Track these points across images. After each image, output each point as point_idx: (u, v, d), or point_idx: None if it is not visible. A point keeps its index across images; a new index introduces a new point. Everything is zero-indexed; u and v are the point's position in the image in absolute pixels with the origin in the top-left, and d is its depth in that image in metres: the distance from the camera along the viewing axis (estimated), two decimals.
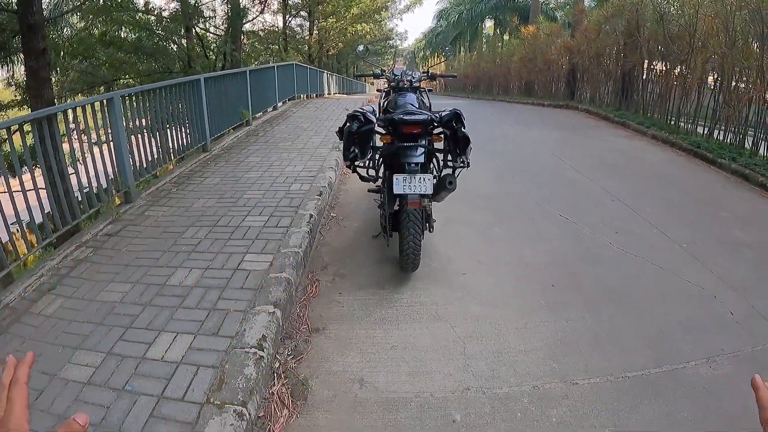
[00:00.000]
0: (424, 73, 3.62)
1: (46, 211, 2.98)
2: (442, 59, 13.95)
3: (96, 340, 2.01)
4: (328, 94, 15.79)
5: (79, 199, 3.27)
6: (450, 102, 13.25)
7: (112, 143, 3.70)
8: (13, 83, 10.36)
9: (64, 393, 1.71)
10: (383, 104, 3.45)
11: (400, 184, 2.42)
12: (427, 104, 3.36)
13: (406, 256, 2.60)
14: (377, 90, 4.22)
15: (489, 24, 29.24)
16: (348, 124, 2.54)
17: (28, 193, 2.77)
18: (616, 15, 9.39)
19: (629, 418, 1.82)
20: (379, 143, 2.76)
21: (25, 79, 8.52)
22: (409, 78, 3.33)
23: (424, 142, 2.59)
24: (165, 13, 12.58)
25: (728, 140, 5.95)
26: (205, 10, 13.43)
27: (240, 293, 2.36)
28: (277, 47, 17.94)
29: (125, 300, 2.32)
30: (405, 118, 2.52)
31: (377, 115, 2.70)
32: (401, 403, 1.88)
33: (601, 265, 3.04)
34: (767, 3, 5.27)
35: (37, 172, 2.98)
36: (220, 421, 1.55)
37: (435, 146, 2.76)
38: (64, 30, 11.31)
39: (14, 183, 2.73)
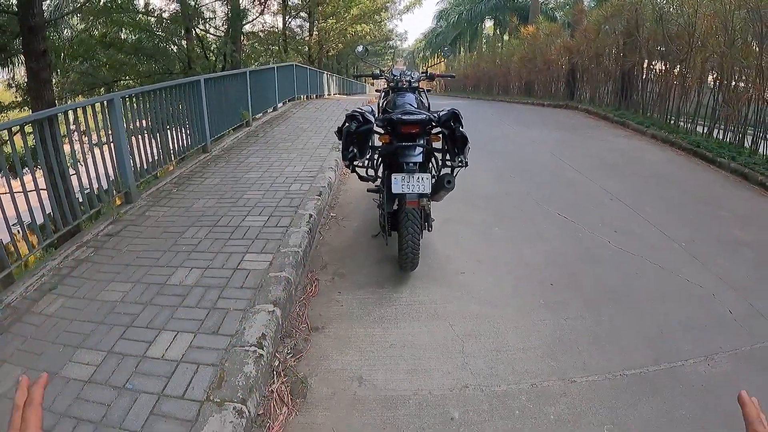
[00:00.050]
0: (422, 73, 3.63)
1: (47, 212, 2.99)
2: (441, 60, 13.96)
3: (97, 339, 2.02)
4: (328, 94, 15.81)
5: (80, 200, 3.29)
6: (450, 102, 13.25)
7: (112, 144, 3.72)
8: (13, 85, 10.39)
9: (65, 391, 1.72)
10: (382, 104, 3.47)
11: (399, 183, 2.43)
12: (426, 104, 3.37)
13: (405, 255, 2.61)
14: (376, 90, 4.24)
15: (489, 24, 29.23)
16: (347, 124, 2.55)
17: (29, 193, 2.79)
18: (615, 15, 9.40)
19: (627, 415, 1.82)
20: (378, 143, 2.78)
21: (25, 80, 8.56)
22: (407, 78, 3.34)
23: (422, 142, 2.60)
24: (165, 15, 12.61)
25: (728, 139, 5.96)
26: (204, 12, 13.47)
27: (240, 292, 2.38)
28: (277, 48, 17.98)
29: (126, 299, 2.34)
30: (403, 117, 2.54)
31: (376, 115, 2.71)
32: (400, 401, 1.89)
33: (601, 264, 3.05)
34: (766, 2, 5.28)
35: (39, 173, 3.00)
36: (219, 418, 1.56)
37: (433, 146, 2.77)
38: (65, 31, 11.35)
39: (15, 184, 2.74)
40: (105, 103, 3.65)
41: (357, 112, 2.55)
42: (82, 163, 3.41)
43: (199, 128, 5.39)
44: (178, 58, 12.88)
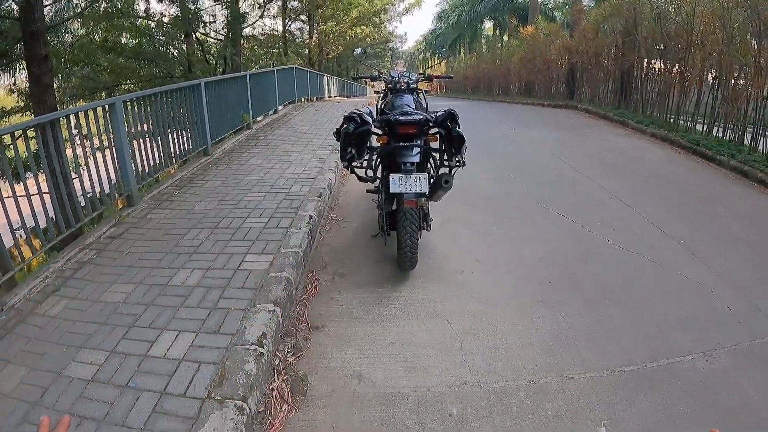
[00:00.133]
0: (420, 74, 3.66)
1: (50, 215, 3.02)
2: (440, 61, 14.02)
3: (100, 339, 2.05)
4: (329, 97, 15.86)
5: (83, 203, 3.32)
6: (450, 103, 13.29)
7: (114, 148, 3.76)
8: (15, 90, 10.45)
9: (69, 390, 1.75)
10: (381, 105, 3.50)
11: (396, 183, 2.46)
12: (424, 105, 3.40)
13: (404, 255, 2.64)
14: (374, 92, 4.28)
15: (488, 25, 29.27)
16: (345, 125, 2.58)
17: (32, 197, 2.82)
18: (614, 14, 9.42)
19: (625, 411, 1.84)
20: (376, 144, 2.81)
21: (27, 85, 8.62)
22: (405, 80, 3.37)
23: (419, 142, 2.62)
24: (165, 19, 12.68)
25: (727, 137, 5.97)
26: (204, 15, 13.56)
27: (241, 292, 2.40)
28: (277, 51, 18.05)
29: (128, 300, 2.37)
30: (400, 118, 2.56)
31: (374, 116, 2.74)
32: (399, 398, 1.91)
33: (600, 262, 3.06)
34: None
35: (41, 177, 3.04)
36: (220, 415, 1.59)
37: (431, 146, 2.80)
38: (66, 36, 11.41)
39: (18, 188, 2.78)
40: (106, 107, 3.69)
41: (355, 113, 2.58)
42: (84, 168, 3.44)
43: (200, 131, 5.43)
44: (179, 62, 12.95)
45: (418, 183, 2.47)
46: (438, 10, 30.31)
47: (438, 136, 2.67)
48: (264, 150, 5.85)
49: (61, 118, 3.22)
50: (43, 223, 2.91)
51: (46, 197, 2.99)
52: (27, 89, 9.10)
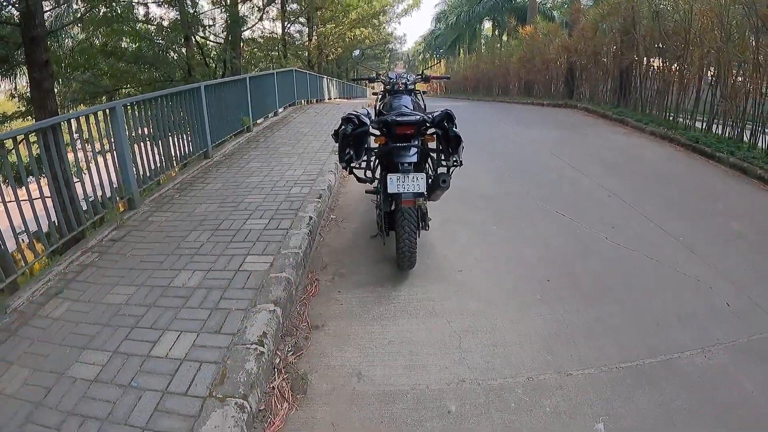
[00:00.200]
0: (418, 75, 3.68)
1: (52, 219, 3.05)
2: (435, 62, 14.06)
3: (102, 340, 2.07)
4: (329, 99, 15.90)
5: (84, 207, 3.34)
6: (450, 104, 13.32)
7: (115, 152, 3.79)
8: (16, 95, 10.52)
9: (72, 391, 1.77)
10: (379, 107, 3.52)
11: (394, 183, 2.48)
12: (422, 106, 3.43)
13: (402, 254, 2.65)
14: (373, 93, 4.31)
15: (487, 25, 29.27)
16: (343, 126, 2.61)
17: (34, 201, 2.85)
18: (612, 13, 9.44)
19: (623, 407, 1.85)
20: (374, 144, 2.83)
21: (28, 90, 8.67)
22: (403, 81, 3.40)
23: (416, 143, 2.65)
24: (165, 23, 12.74)
25: (726, 134, 5.97)
26: (204, 19, 13.60)
27: (241, 293, 2.43)
28: (277, 53, 18.09)
29: (130, 302, 2.39)
30: (397, 119, 2.59)
31: (372, 118, 2.76)
32: (398, 396, 1.93)
33: (599, 261, 3.07)
34: None
35: (43, 181, 3.06)
36: (222, 413, 1.61)
37: (429, 146, 2.82)
38: (66, 41, 11.47)
39: (20, 192, 2.81)
40: (107, 111, 3.72)
41: (352, 114, 2.60)
42: (86, 172, 3.47)
43: (201, 134, 5.46)
44: (179, 65, 13.00)
45: (416, 183, 2.50)
46: (437, 11, 30.29)
47: (435, 136, 2.69)
48: (264, 152, 5.88)
49: (62, 123, 3.24)
50: (45, 227, 2.94)
51: (48, 201, 3.02)
52: (28, 94, 9.17)
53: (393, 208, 2.66)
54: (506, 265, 3.03)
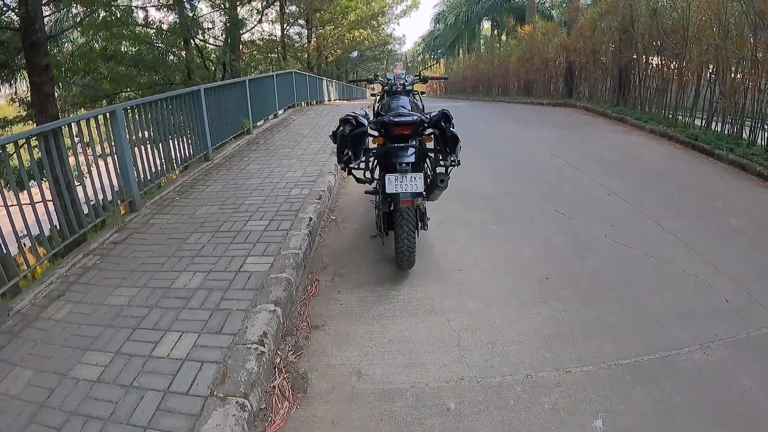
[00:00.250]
0: (416, 76, 3.70)
1: (53, 223, 3.07)
2: (433, 62, 14.10)
3: (104, 342, 2.09)
4: (328, 100, 15.92)
5: (86, 210, 3.37)
6: (450, 104, 13.34)
7: (116, 155, 3.81)
8: (16, 99, 10.56)
9: (75, 391, 1.79)
10: (377, 108, 3.54)
11: (392, 183, 2.50)
12: (420, 107, 3.44)
13: (401, 254, 2.67)
14: (371, 95, 4.33)
15: (486, 25, 29.28)
16: (341, 127, 2.63)
17: (36, 205, 2.87)
18: (610, 11, 9.44)
19: (622, 404, 1.85)
20: (372, 145, 2.84)
21: (28, 95, 8.71)
22: (401, 82, 3.41)
23: (414, 143, 2.66)
24: (164, 26, 12.77)
25: (726, 131, 5.97)
26: (203, 22, 13.63)
27: (242, 293, 2.44)
28: (276, 56, 18.13)
29: (132, 303, 2.41)
30: (395, 120, 2.61)
31: (370, 118, 2.78)
32: (397, 394, 1.94)
33: (598, 259, 3.08)
34: None
35: (45, 184, 3.08)
36: (223, 412, 1.63)
37: (427, 146, 2.83)
38: (66, 45, 11.51)
39: (22, 196, 2.83)
40: (107, 114, 3.74)
41: (350, 115, 2.62)
42: (87, 175, 3.49)
43: (201, 137, 5.49)
44: (178, 68, 13.04)
45: (414, 183, 2.51)
46: (436, 12, 30.34)
47: (433, 136, 2.71)
48: (264, 154, 5.90)
49: (63, 127, 3.27)
50: (47, 231, 2.96)
51: (50, 205, 3.04)
52: (28, 99, 9.20)
53: (392, 208, 2.68)
54: (505, 264, 3.05)
